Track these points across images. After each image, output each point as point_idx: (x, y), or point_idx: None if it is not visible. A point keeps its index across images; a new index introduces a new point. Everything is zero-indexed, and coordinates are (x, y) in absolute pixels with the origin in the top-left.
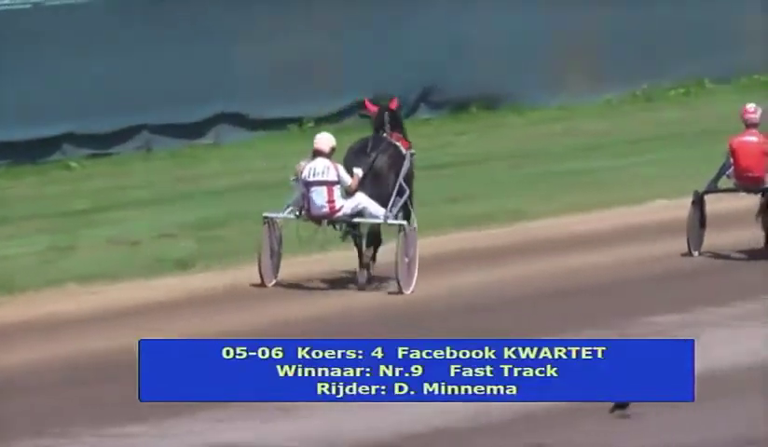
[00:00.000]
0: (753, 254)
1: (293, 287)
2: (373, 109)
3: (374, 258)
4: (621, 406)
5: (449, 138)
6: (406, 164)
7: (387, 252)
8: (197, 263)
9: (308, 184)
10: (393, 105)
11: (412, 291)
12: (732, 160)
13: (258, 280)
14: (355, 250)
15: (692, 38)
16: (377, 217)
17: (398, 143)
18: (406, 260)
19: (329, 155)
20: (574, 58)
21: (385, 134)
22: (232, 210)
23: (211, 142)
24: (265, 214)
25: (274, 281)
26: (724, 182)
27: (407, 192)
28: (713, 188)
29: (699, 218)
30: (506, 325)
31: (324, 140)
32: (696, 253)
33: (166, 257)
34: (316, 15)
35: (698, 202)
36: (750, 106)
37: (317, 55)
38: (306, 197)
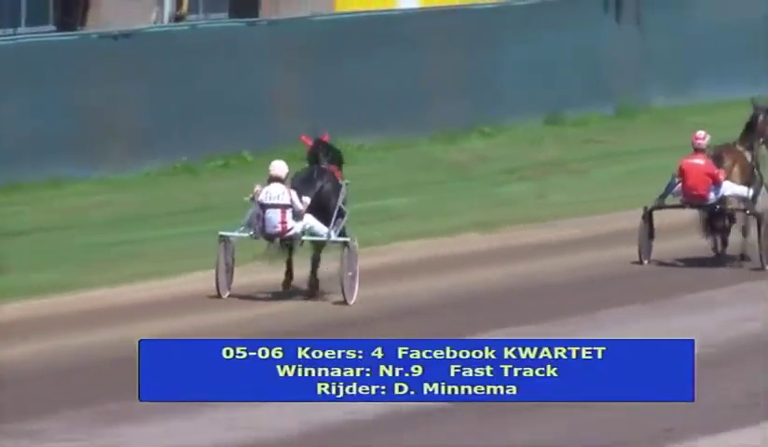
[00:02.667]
0: (690, 261)
1: (243, 297)
2: (309, 143)
3: (316, 276)
4: None
5: None
6: (343, 191)
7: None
8: None
9: (264, 207)
10: (325, 138)
11: (354, 302)
12: (678, 179)
13: (215, 292)
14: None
15: (231, 113)
16: (322, 235)
17: (334, 174)
18: (350, 274)
19: (284, 180)
20: (112, 132)
21: (324, 166)
22: None
23: None
24: (221, 233)
25: (228, 293)
26: (670, 200)
27: (347, 215)
28: (661, 204)
29: (649, 231)
30: None
31: (280, 167)
32: (646, 262)
33: None
34: None
35: (647, 217)
36: (700, 133)
37: None
38: (260, 218)
